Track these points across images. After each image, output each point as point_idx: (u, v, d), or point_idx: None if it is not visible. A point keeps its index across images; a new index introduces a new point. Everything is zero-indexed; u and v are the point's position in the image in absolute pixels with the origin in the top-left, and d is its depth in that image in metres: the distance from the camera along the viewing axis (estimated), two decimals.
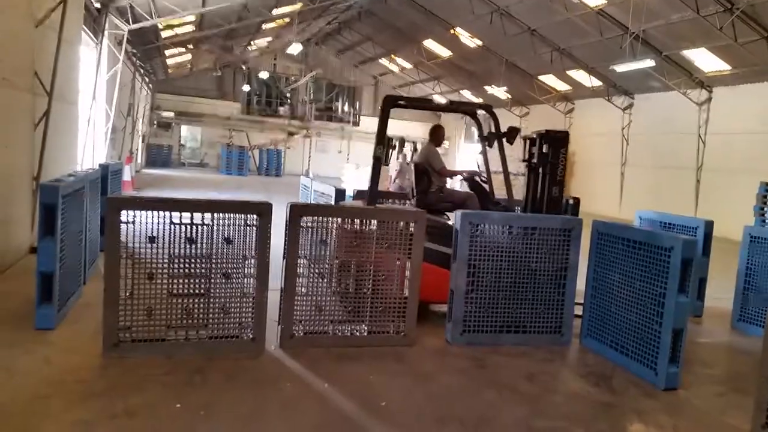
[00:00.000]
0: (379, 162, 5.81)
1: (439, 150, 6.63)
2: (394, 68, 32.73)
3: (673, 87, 18.35)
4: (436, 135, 6.70)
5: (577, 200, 6.06)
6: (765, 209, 8.81)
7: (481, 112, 6.53)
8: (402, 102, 6.09)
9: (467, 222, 4.99)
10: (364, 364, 4.38)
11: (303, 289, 4.58)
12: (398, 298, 4.82)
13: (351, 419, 3.51)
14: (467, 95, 30.63)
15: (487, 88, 27.32)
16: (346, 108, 36.48)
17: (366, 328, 4.79)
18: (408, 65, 30.84)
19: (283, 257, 4.50)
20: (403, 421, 3.53)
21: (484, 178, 6.47)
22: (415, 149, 16.32)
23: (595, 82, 21.84)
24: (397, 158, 17.44)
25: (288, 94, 35.50)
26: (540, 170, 5.80)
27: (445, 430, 3.46)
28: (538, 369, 4.61)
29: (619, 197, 21.27)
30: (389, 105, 5.85)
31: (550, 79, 24.17)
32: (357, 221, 4.85)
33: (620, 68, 17.49)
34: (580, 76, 22.20)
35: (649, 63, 16.53)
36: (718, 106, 18.06)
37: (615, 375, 4.58)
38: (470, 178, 6.52)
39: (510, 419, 3.69)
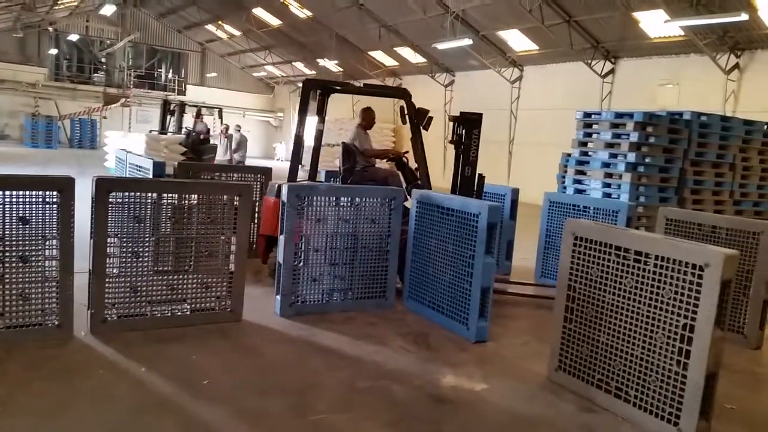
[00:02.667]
0: (299, 140, 6.25)
1: (370, 131, 6.82)
2: (222, 35, 31.40)
3: (489, 66, 19.73)
4: (365, 117, 6.80)
5: (482, 177, 6.38)
6: (565, 177, 9.88)
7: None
8: (321, 86, 6.31)
9: (294, 195, 4.98)
10: (186, 343, 4.22)
11: (115, 270, 4.28)
12: (224, 274, 4.71)
13: (169, 401, 3.38)
14: (300, 67, 30.38)
15: (319, 60, 27.29)
16: (170, 75, 34.26)
17: (189, 306, 4.62)
18: (237, 33, 29.75)
19: (91, 237, 4.16)
20: (226, 397, 3.47)
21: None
22: (198, 115, 15.15)
23: (420, 59, 22.78)
24: (180, 125, 15.80)
25: (103, 60, 32.44)
26: (456, 151, 6.12)
27: (267, 402, 3.46)
28: (363, 332, 4.78)
29: (443, 169, 22.55)
30: (309, 89, 6.20)
31: (379, 55, 24.76)
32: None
33: (441, 46, 18.39)
34: (406, 52, 23.01)
35: (467, 42, 17.56)
36: (528, 84, 19.79)
37: (432, 332, 4.91)
38: (397, 158, 6.64)
39: (334, 383, 3.79)
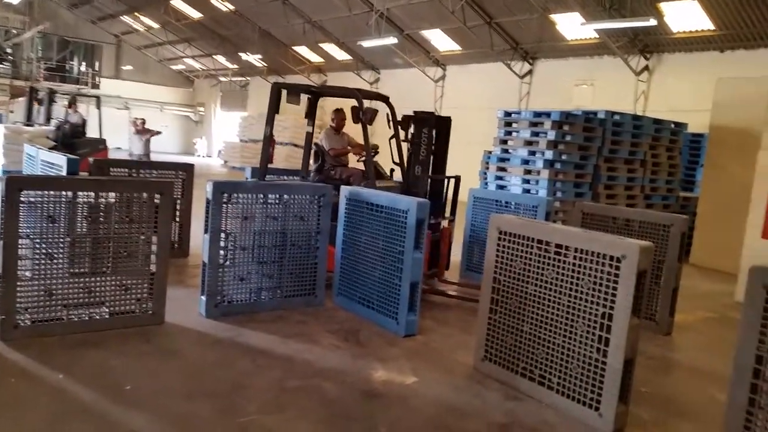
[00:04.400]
0: (268, 141, 6.42)
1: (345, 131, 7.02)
2: (139, 27, 30.16)
3: (413, 64, 19.96)
4: (335, 118, 7.00)
5: (457, 179, 6.44)
6: (487, 174, 10.15)
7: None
8: (284, 88, 6.44)
9: (219, 192, 4.86)
10: (106, 348, 4.03)
11: (27, 273, 4.03)
12: (145, 275, 4.54)
13: (90, 409, 3.22)
14: (222, 61, 29.65)
15: (241, 54, 26.74)
16: (83, 68, 32.52)
17: (108, 309, 4.42)
18: (155, 25, 28.65)
19: (1, 238, 3.90)
20: (150, 402, 3.35)
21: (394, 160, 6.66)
22: (71, 104, 13.89)
23: (345, 56, 22.75)
24: (49, 116, 14.39)
25: (9, 50, 30.37)
26: (408, 150, 6.23)
27: (194, 406, 3.36)
28: (293, 331, 4.74)
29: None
30: (277, 92, 6.35)
31: (303, 50, 24.53)
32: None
33: (366, 44, 18.45)
34: (331, 49, 22.93)
35: (392, 40, 17.70)
36: (451, 83, 20.16)
37: (362, 328, 4.93)
38: (359, 155, 6.70)
39: (264, 383, 3.73)
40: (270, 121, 6.40)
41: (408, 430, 3.33)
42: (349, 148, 6.87)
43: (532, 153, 9.29)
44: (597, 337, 3.48)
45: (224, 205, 4.88)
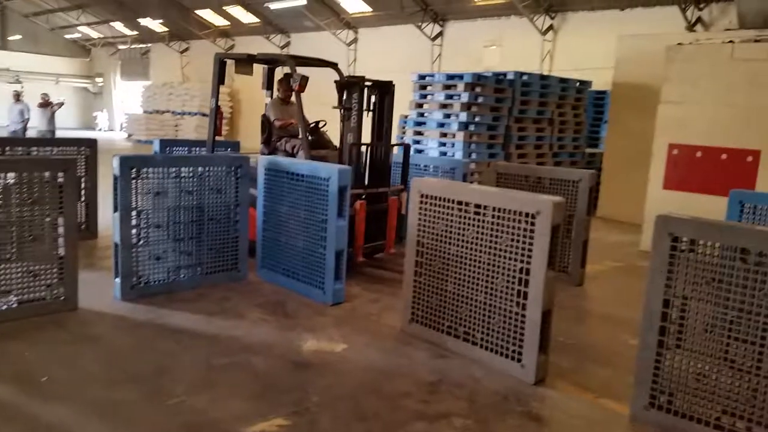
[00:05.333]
0: (214, 113, 6.52)
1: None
2: None
3: (324, 27, 19.57)
4: (280, 88, 6.88)
5: (406, 147, 6.40)
6: (404, 138, 10.21)
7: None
8: (227, 59, 6.58)
9: (126, 167, 4.61)
10: (16, 339, 3.80)
11: None
12: (53, 259, 4.28)
13: (4, 405, 3.03)
14: (119, 27, 27.91)
15: (141, 20, 25.26)
16: None
17: (15, 298, 4.15)
18: None
19: None
20: (69, 392, 3.20)
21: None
22: None
23: (253, 19, 21.96)
24: None
25: None
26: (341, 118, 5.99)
27: (117, 392, 3.24)
28: (217, 308, 4.64)
29: None
30: (219, 62, 6.45)
31: (207, 14, 23.45)
32: None
33: (274, 6, 17.88)
34: (237, 12, 22.03)
35: (301, 2, 17.23)
36: (364, 47, 19.95)
37: (289, 300, 4.90)
38: (314, 128, 6.48)
39: (189, 364, 3.65)
40: (215, 93, 6.43)
41: (340, 396, 3.36)
42: (293, 120, 6.64)
43: (447, 116, 9.41)
44: (516, 291, 3.62)
45: (134, 181, 4.65)
